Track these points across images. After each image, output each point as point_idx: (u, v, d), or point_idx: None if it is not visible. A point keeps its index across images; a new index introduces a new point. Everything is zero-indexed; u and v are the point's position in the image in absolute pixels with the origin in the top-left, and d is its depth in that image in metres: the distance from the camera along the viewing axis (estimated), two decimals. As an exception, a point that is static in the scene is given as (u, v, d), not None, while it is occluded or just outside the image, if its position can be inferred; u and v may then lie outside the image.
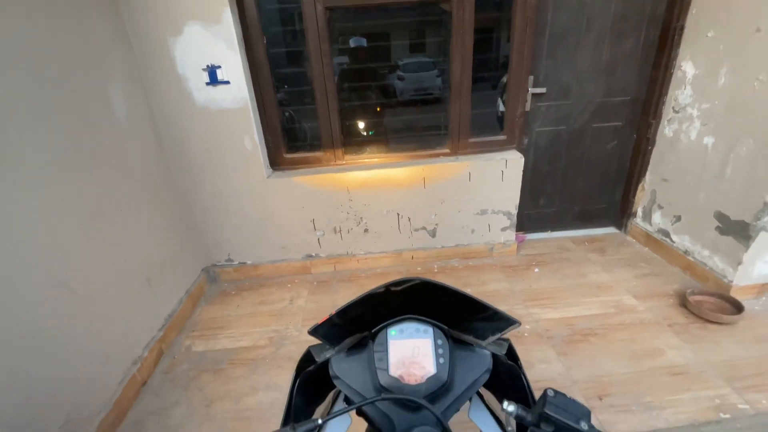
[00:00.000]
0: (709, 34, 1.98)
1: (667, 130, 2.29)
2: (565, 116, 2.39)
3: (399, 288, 0.55)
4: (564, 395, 0.46)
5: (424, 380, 0.51)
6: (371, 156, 2.34)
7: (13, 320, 1.16)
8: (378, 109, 2.41)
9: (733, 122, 1.90)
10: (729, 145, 1.93)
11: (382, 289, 0.54)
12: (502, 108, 2.34)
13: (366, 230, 2.38)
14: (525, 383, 0.59)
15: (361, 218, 2.34)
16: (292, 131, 2.35)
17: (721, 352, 1.69)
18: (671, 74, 2.21)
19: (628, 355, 1.69)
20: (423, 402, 0.47)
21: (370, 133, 2.44)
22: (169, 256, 2.01)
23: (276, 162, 2.28)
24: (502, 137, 2.35)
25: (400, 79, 2.53)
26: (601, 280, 2.21)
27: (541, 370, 1.64)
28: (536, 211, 2.68)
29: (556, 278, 2.26)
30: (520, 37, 2.09)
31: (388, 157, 2.33)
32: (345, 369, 0.55)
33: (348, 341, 0.59)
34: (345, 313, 0.56)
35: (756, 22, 1.75)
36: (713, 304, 1.95)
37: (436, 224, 2.40)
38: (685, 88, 2.14)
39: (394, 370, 0.52)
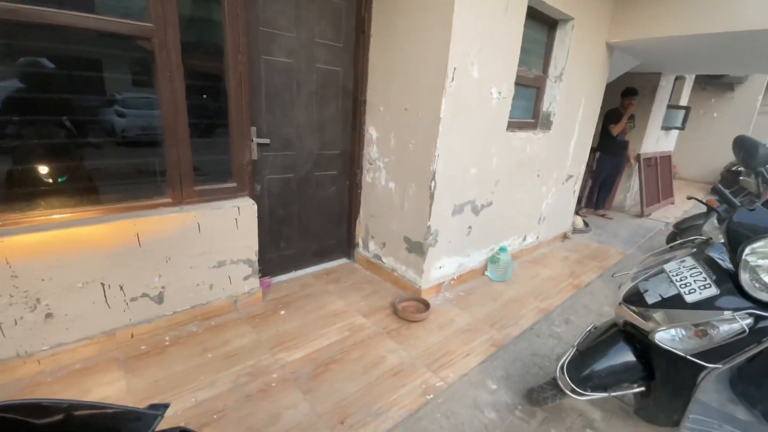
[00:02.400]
0: (381, 108, 2.68)
1: (367, 177, 2.90)
2: (291, 165, 2.61)
3: None
4: None
5: None
6: (54, 211, 1.75)
7: None
8: (75, 148, 1.84)
9: (403, 171, 2.61)
10: (403, 187, 2.63)
11: None
12: (227, 155, 2.30)
13: (49, 314, 1.72)
14: None
15: (38, 300, 1.67)
16: None
17: (420, 344, 2.20)
18: (363, 135, 2.84)
19: (360, 372, 1.93)
20: None
21: (59, 180, 1.82)
22: None
23: None
24: (232, 185, 2.30)
25: (120, 115, 2.05)
26: (337, 308, 2.48)
27: (288, 417, 1.62)
28: (279, 254, 2.76)
29: (299, 316, 2.36)
30: (236, 90, 2.15)
31: (84, 211, 1.81)
32: None
33: None
34: None
35: (404, 104, 2.50)
36: (414, 307, 2.55)
37: (163, 287, 2.03)
38: (373, 146, 2.79)
39: None
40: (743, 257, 1.19)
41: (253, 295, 2.43)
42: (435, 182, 2.41)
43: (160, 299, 2.04)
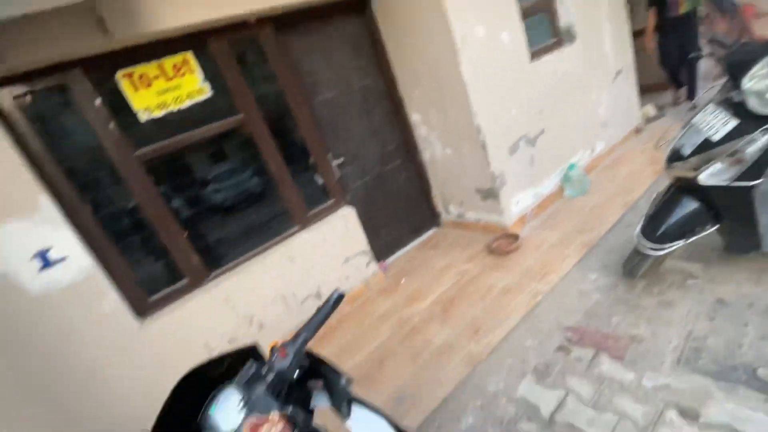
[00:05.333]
0: (415, 94, 3.14)
1: (425, 154, 3.37)
2: (364, 171, 3.21)
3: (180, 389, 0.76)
4: None
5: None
6: (233, 262, 2.59)
7: None
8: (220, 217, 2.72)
9: (453, 137, 3.03)
10: (458, 150, 3.04)
11: (169, 401, 0.74)
12: (320, 182, 3.00)
13: (261, 325, 2.56)
14: (323, 368, 0.88)
15: (252, 317, 2.52)
16: (149, 274, 2.39)
17: (520, 267, 2.61)
18: (409, 123, 3.32)
19: (478, 299, 2.42)
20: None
21: (220, 243, 2.70)
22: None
23: (143, 310, 2.26)
24: (331, 201, 2.98)
25: (217, 191, 2.90)
26: (443, 264, 3.00)
27: (437, 339, 2.19)
28: (382, 241, 3.38)
29: (417, 279, 2.94)
30: (308, 132, 2.82)
31: (251, 254, 2.63)
32: None
33: None
34: (165, 422, 0.72)
35: (432, 84, 2.92)
36: (506, 242, 2.94)
37: (318, 287, 2.78)
38: (421, 128, 3.26)
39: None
40: (746, 86, 1.40)
41: (377, 276, 3.08)
42: (482, 134, 2.79)
43: (318, 296, 2.79)
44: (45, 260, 1.88)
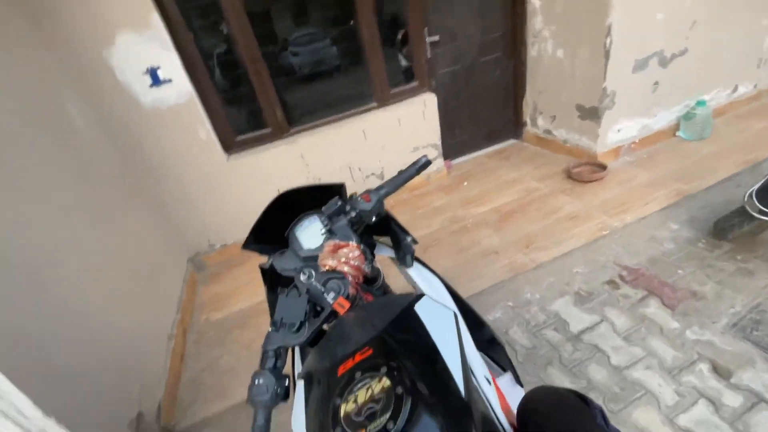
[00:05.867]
0: (543, -28, 2.61)
1: (532, 51, 2.96)
2: (458, 57, 2.93)
3: (276, 204, 0.87)
4: None
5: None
6: (313, 123, 2.67)
7: (84, 318, 1.38)
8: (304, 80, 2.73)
9: (572, 35, 2.59)
10: (573, 53, 2.63)
11: (267, 210, 0.85)
12: (403, 62, 2.82)
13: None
14: (393, 222, 0.95)
15: (320, 178, 2.70)
16: (237, 115, 2.57)
17: (596, 198, 2.45)
18: (525, 8, 2.84)
19: (540, 217, 2.37)
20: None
21: (302, 104, 2.76)
22: (159, 252, 2.20)
23: (229, 146, 2.50)
24: (415, 84, 2.83)
25: (295, 54, 2.83)
26: (512, 177, 2.89)
27: (485, 242, 2.25)
28: (454, 140, 3.27)
29: (480, 185, 2.89)
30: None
31: (328, 120, 2.69)
32: (282, 262, 0.83)
33: (278, 252, 0.87)
34: (260, 227, 0.85)
35: (569, -40, 2.39)
36: (588, 170, 2.72)
37: (382, 168, 2.85)
38: (537, 17, 2.79)
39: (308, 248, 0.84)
40: None
41: (440, 173, 3.08)
42: (611, 38, 2.34)
43: (381, 176, 2.89)
44: (155, 77, 2.07)
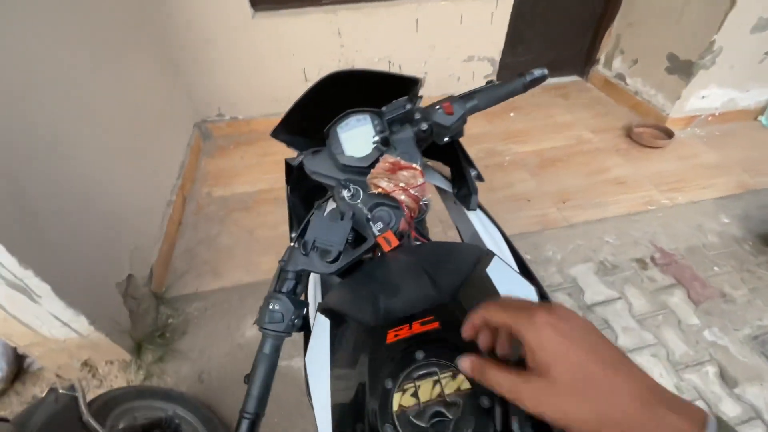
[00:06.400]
0: None
1: (645, -31, 2.37)
2: (554, -49, 2.34)
3: (324, 85, 0.62)
4: None
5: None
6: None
7: (76, 164, 1.21)
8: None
9: (706, -41, 2.03)
10: (696, -15, 2.10)
11: (311, 91, 0.62)
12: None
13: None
14: (459, 148, 0.74)
15: (354, 64, 2.34)
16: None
17: (652, 167, 2.19)
18: None
19: (584, 174, 2.14)
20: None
21: None
22: (162, 107, 1.95)
23: (257, 2, 2.08)
24: (492, -25, 2.29)
25: None
26: (564, 120, 2.56)
27: (519, 186, 2.06)
28: (513, 59, 2.81)
29: (527, 120, 2.57)
30: None
31: (378, -3, 2.22)
32: (315, 164, 0.66)
33: (311, 149, 0.67)
34: (295, 114, 0.64)
35: None
36: (651, 134, 2.40)
37: (425, 72, 2.48)
38: None
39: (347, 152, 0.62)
40: None
41: (487, 95, 2.70)
42: (755, -26, 1.83)
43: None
44: None
